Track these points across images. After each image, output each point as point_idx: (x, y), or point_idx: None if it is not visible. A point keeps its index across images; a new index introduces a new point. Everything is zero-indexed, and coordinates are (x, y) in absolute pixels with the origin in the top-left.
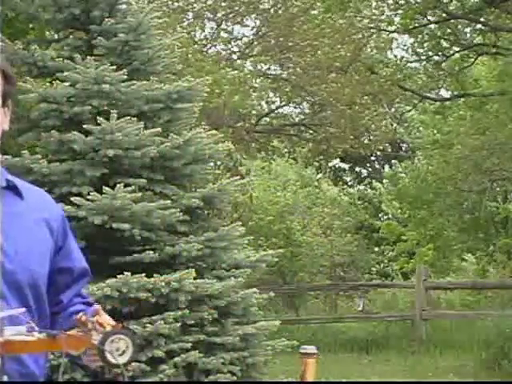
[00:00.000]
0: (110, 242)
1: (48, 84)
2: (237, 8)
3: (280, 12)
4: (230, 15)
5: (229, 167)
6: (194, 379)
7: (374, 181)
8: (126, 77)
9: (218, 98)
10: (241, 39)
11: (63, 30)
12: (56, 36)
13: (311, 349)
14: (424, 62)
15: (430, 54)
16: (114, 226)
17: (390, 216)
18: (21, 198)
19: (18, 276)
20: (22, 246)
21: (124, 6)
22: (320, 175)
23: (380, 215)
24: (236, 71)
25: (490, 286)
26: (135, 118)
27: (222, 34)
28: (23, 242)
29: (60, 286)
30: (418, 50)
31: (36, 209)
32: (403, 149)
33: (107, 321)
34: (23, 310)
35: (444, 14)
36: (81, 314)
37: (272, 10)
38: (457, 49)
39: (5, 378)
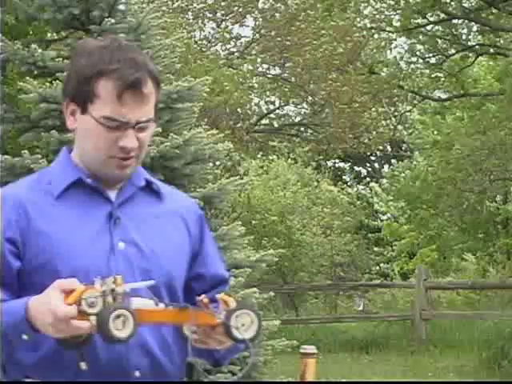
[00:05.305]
0: None
1: (48, 84)
2: (236, 7)
3: (280, 9)
4: (230, 15)
5: (228, 167)
6: (193, 379)
7: (373, 180)
8: None
9: (219, 96)
10: (240, 39)
11: (63, 30)
12: (56, 36)
13: (311, 349)
14: (423, 62)
15: (430, 54)
16: None
17: (387, 216)
18: (160, 199)
19: (152, 275)
20: (159, 247)
21: (124, 6)
22: (320, 175)
23: (378, 215)
24: (234, 70)
25: (490, 285)
26: None
27: (222, 33)
28: (160, 244)
29: (197, 292)
30: (418, 50)
31: (175, 212)
32: (403, 149)
33: (231, 298)
34: (151, 282)
35: (443, 14)
36: (203, 296)
37: (271, 9)
38: (456, 49)
39: (136, 374)
